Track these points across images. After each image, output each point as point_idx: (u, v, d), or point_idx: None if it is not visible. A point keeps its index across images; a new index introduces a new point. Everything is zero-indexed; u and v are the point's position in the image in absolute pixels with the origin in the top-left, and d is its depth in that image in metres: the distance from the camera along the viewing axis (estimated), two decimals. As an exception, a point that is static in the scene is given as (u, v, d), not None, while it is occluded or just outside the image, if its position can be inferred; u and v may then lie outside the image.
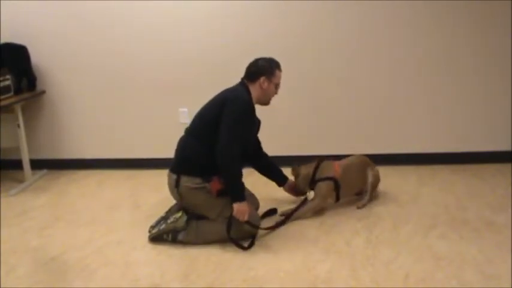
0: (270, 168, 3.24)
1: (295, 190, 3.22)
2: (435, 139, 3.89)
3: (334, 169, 3.09)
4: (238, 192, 2.72)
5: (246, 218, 2.69)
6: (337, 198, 3.11)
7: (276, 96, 3.98)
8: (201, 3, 3.81)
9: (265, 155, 3.22)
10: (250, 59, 3.85)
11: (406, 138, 3.91)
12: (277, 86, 2.92)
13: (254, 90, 2.86)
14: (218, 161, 2.66)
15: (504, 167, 3.71)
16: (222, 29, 3.86)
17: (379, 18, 3.71)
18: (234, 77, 3.86)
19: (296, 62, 3.84)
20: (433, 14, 3.66)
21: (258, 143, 3.17)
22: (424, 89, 3.81)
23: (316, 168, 3.11)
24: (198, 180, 2.74)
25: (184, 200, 2.82)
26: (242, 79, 2.92)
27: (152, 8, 3.86)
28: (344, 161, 3.21)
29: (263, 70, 2.86)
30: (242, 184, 2.76)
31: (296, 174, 3.18)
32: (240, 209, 2.68)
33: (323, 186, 3.06)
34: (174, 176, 2.79)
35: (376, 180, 3.23)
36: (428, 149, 3.91)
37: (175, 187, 2.79)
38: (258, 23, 3.81)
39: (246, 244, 2.70)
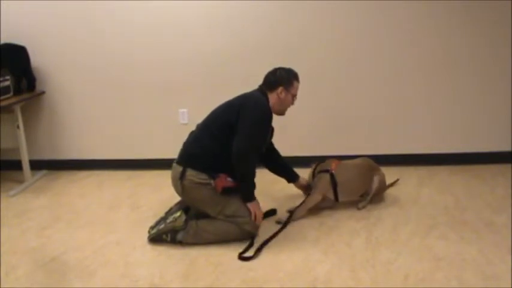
0: (283, 167, 3.27)
1: (307, 187, 3.26)
2: (435, 140, 3.89)
3: (331, 165, 3.12)
4: (251, 192, 2.79)
5: (259, 215, 2.79)
6: (336, 197, 3.09)
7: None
8: (201, 4, 3.81)
9: (279, 154, 3.24)
10: (250, 60, 3.88)
11: (406, 138, 3.91)
12: (294, 97, 2.95)
13: (272, 98, 2.89)
14: (234, 162, 2.70)
15: (504, 168, 3.71)
16: (222, 30, 3.86)
17: (379, 19, 3.71)
18: (233, 77, 3.89)
19: (295, 63, 3.82)
20: (434, 14, 3.66)
21: (271, 144, 3.18)
22: (424, 89, 3.81)
23: (318, 165, 3.18)
24: (203, 175, 2.75)
25: (186, 193, 2.82)
26: (260, 86, 2.95)
27: (152, 9, 3.86)
28: (345, 161, 3.22)
29: (281, 80, 2.89)
30: (254, 185, 2.81)
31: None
32: (252, 208, 2.76)
33: (318, 179, 3.10)
34: (180, 168, 2.80)
35: (382, 185, 3.20)
36: (428, 149, 3.91)
37: (180, 179, 2.79)
38: (258, 24, 3.81)
39: (249, 252, 2.66)
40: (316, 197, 3.06)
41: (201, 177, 2.75)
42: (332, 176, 3.06)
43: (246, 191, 2.79)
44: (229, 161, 2.71)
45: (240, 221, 2.73)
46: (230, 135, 2.72)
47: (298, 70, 3.02)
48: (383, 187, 3.24)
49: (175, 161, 2.87)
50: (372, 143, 3.94)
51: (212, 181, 2.73)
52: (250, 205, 2.77)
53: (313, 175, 3.17)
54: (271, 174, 3.69)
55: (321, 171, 3.12)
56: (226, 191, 2.73)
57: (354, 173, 3.14)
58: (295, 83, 2.93)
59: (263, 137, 2.85)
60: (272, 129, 2.99)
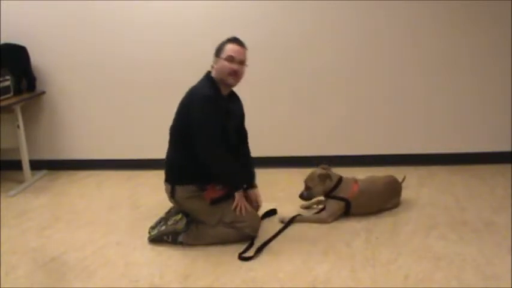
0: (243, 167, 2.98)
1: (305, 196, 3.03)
2: (435, 140, 3.88)
3: (351, 190, 2.97)
4: (237, 183, 2.76)
5: (243, 205, 2.72)
6: (346, 214, 3.00)
7: (276, 95, 3.98)
8: (201, 3, 3.81)
9: (246, 152, 3.04)
10: (251, 60, 3.86)
11: (405, 138, 3.91)
12: (229, 58, 2.71)
13: (214, 74, 2.77)
14: (204, 163, 2.66)
15: (504, 168, 3.70)
16: (222, 30, 3.84)
17: (379, 19, 3.71)
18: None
19: (296, 63, 3.84)
20: (434, 14, 3.66)
21: (244, 137, 3.04)
22: (424, 89, 3.81)
23: (336, 186, 2.97)
24: (192, 187, 2.73)
25: (182, 206, 2.81)
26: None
27: (152, 9, 3.86)
28: (365, 183, 3.05)
29: (216, 51, 2.79)
30: (237, 174, 2.77)
31: (323, 175, 2.97)
32: (237, 199, 2.72)
33: (334, 205, 2.96)
34: (169, 187, 2.79)
35: (393, 208, 3.11)
36: (428, 149, 3.91)
37: (172, 197, 2.81)
38: (258, 24, 3.81)
39: (249, 252, 2.65)
40: (325, 220, 2.95)
41: (191, 189, 2.73)
42: (348, 204, 2.96)
43: (233, 183, 2.75)
44: (204, 164, 2.67)
45: (240, 225, 2.72)
46: (190, 138, 2.67)
47: (299, 70, 3.00)
48: (394, 208, 3.12)
49: (164, 179, 2.84)
50: (372, 143, 3.93)
51: (202, 193, 2.72)
52: (237, 196, 2.72)
53: (327, 194, 2.99)
54: (271, 174, 3.70)
55: (336, 197, 2.97)
56: (217, 201, 2.71)
57: (371, 199, 3.01)
58: (226, 46, 2.74)
59: (216, 128, 2.67)
60: (241, 113, 2.92)
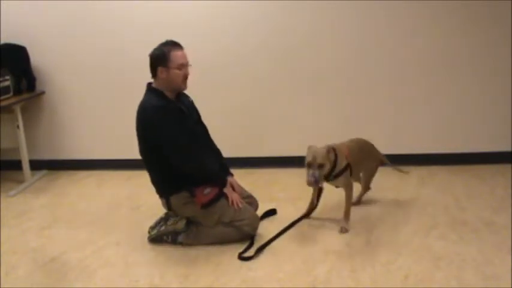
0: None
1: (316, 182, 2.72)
2: (435, 139, 3.88)
3: (345, 155, 2.88)
4: (219, 179, 2.79)
5: (236, 199, 2.74)
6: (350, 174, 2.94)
7: (276, 95, 3.99)
8: (200, 3, 3.81)
9: (212, 146, 3.01)
10: (251, 61, 3.87)
11: (406, 138, 3.91)
12: (180, 66, 2.68)
13: (159, 84, 2.73)
14: (183, 170, 2.67)
15: (504, 168, 3.70)
16: (222, 30, 3.86)
17: (379, 19, 3.71)
18: (233, 78, 3.89)
19: (296, 64, 3.84)
20: (433, 14, 3.66)
21: (206, 131, 3.01)
22: (424, 89, 3.81)
23: (335, 161, 2.79)
24: (185, 194, 2.73)
25: (180, 213, 2.81)
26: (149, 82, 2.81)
27: (152, 9, 3.86)
28: (349, 144, 2.99)
29: (157, 60, 2.69)
30: (215, 170, 2.81)
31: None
32: (229, 196, 2.74)
33: (345, 179, 2.87)
34: (164, 200, 2.81)
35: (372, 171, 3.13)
36: (428, 149, 3.91)
37: (169, 209, 2.82)
38: (258, 23, 3.81)
39: (249, 252, 2.65)
40: (352, 190, 2.91)
41: (183, 196, 2.73)
42: (350, 166, 2.90)
43: (217, 179, 2.78)
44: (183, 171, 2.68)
45: (239, 224, 2.72)
46: (162, 154, 2.67)
47: (299, 70, 2.99)
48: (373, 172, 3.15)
49: (158, 196, 2.86)
50: (372, 142, 3.92)
51: (194, 199, 2.73)
52: (227, 192, 2.75)
53: (330, 173, 2.81)
54: (270, 174, 3.69)
55: (341, 173, 2.85)
56: (207, 205, 2.70)
57: (359, 153, 3.00)
58: (172, 54, 2.66)
59: (178, 133, 2.65)
60: (196, 112, 2.91)
